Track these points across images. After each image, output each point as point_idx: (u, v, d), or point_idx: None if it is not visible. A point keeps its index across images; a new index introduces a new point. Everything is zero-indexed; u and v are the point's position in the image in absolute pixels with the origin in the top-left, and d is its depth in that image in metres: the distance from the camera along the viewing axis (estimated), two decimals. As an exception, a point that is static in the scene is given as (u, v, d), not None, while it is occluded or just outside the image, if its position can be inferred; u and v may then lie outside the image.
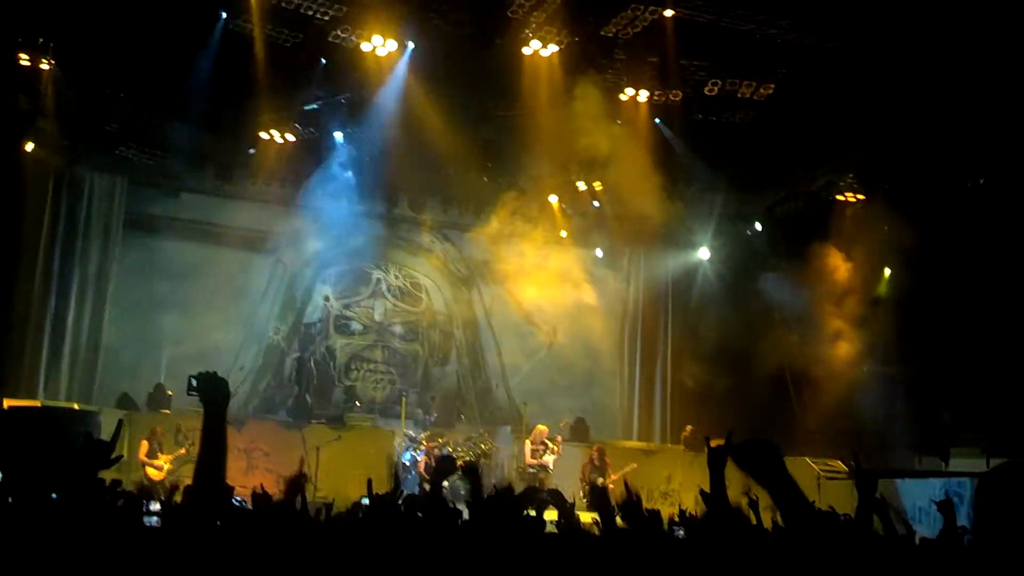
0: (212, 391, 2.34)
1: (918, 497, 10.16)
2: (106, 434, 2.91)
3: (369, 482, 4.13)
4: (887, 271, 12.90)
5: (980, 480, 1.81)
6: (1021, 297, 10.38)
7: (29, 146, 11.49)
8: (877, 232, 12.91)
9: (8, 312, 11.22)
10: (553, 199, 14.62)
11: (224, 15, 10.70)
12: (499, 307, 15.67)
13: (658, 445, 14.86)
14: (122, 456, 4.26)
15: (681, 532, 4.37)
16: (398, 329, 15.19)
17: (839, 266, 13.36)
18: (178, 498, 5.17)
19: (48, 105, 11.02)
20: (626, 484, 4.07)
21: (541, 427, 12.03)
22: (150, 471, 10.46)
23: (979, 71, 9.60)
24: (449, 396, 15.04)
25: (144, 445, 10.62)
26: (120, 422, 3.25)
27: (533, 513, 4.09)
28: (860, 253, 13.12)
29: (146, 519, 4.67)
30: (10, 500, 3.28)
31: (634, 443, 14.83)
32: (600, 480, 11.60)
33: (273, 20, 10.61)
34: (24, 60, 10.54)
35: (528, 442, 11.94)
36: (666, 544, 3.37)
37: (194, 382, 2.38)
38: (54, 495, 2.93)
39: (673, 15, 10.33)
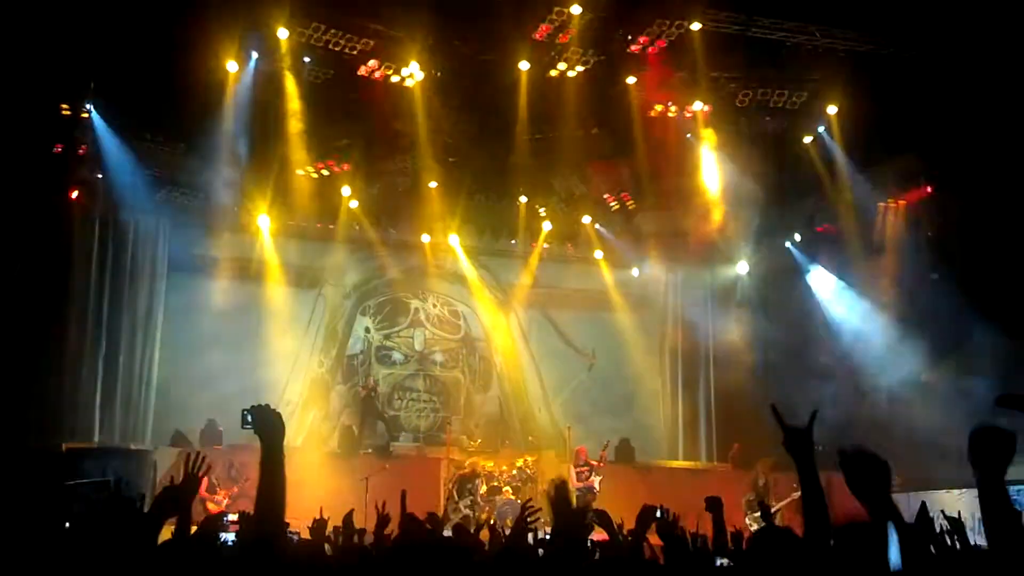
0: (266, 423, 2.32)
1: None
2: (161, 470, 2.92)
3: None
4: (934, 276, 12.53)
5: None
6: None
7: (74, 194, 11.86)
8: (922, 236, 12.59)
9: (61, 357, 11.47)
10: (587, 220, 14.58)
11: (255, 56, 10.97)
12: (537, 331, 15.60)
13: (705, 464, 14.55)
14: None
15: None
16: (439, 357, 15.20)
17: (885, 273, 13.03)
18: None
19: (90, 153, 11.37)
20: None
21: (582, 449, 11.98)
22: (210, 506, 10.64)
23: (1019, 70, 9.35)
24: (492, 422, 14.96)
25: (203, 481, 10.78)
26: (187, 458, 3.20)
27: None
28: (905, 259, 12.78)
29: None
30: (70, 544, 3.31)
31: (681, 463, 14.55)
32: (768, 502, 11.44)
33: (303, 58, 10.84)
34: (65, 111, 10.91)
35: (572, 466, 11.84)
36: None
37: (248, 416, 2.36)
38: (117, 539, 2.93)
39: (700, 28, 10.28)
